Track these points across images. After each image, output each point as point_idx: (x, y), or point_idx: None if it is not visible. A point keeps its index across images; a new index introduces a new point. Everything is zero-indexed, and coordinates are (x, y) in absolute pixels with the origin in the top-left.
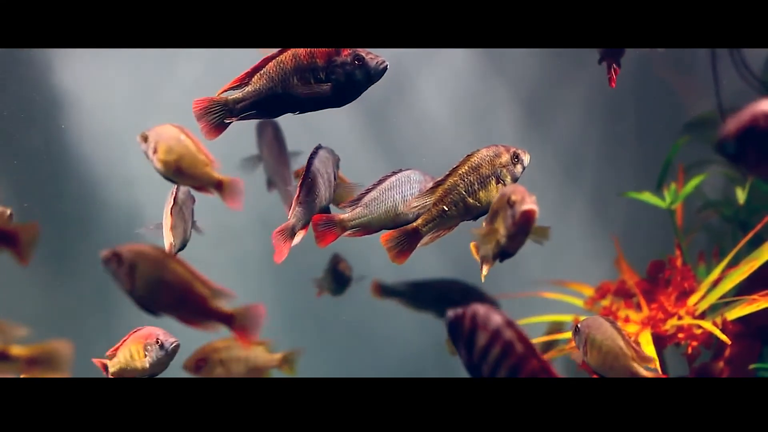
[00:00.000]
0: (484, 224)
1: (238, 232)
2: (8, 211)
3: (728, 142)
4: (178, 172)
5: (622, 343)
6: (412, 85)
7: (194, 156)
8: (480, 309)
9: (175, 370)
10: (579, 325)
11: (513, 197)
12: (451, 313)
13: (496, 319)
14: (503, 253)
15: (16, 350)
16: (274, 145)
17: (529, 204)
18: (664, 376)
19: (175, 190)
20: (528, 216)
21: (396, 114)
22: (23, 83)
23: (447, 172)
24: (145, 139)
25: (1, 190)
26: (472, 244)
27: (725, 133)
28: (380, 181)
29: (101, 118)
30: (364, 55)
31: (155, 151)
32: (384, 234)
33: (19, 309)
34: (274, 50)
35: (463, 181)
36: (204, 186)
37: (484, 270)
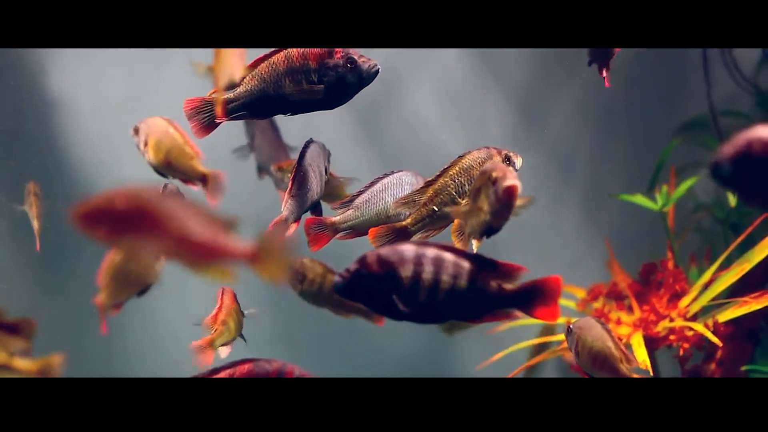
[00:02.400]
0: (464, 202)
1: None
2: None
3: (722, 166)
4: (167, 164)
5: (611, 345)
6: (404, 86)
7: (181, 149)
8: (381, 250)
9: (174, 370)
10: (571, 326)
11: (494, 174)
12: (340, 276)
13: (408, 247)
14: (489, 229)
15: (19, 363)
16: (269, 130)
17: (511, 180)
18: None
19: (161, 189)
20: (510, 191)
21: (388, 115)
22: (16, 86)
23: (438, 173)
24: (137, 131)
25: None
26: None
27: (719, 157)
28: (372, 183)
29: (94, 121)
30: (356, 58)
31: (146, 144)
32: (372, 229)
33: (13, 312)
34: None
35: (454, 182)
36: (190, 179)
37: (474, 247)
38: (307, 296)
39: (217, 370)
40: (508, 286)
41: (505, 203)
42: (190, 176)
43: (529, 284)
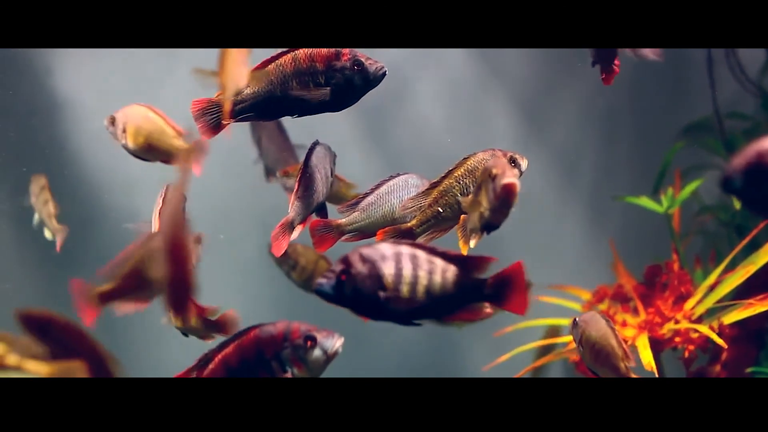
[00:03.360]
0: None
1: (235, 231)
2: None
3: (734, 179)
4: (148, 148)
5: (614, 342)
6: (411, 88)
7: (162, 130)
8: (362, 249)
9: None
10: (577, 320)
11: (494, 171)
12: (324, 279)
13: (386, 246)
14: (488, 225)
15: (32, 366)
16: (276, 133)
17: (510, 177)
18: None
19: (164, 190)
20: (508, 189)
21: (394, 117)
22: (23, 87)
23: (443, 174)
24: (113, 121)
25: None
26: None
27: (731, 170)
28: (378, 186)
29: (101, 122)
30: (363, 60)
31: (124, 131)
32: (379, 231)
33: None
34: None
35: (459, 183)
36: (174, 158)
37: (472, 243)
38: (298, 282)
39: (225, 343)
40: (478, 279)
41: (503, 200)
42: (173, 155)
43: (495, 276)
